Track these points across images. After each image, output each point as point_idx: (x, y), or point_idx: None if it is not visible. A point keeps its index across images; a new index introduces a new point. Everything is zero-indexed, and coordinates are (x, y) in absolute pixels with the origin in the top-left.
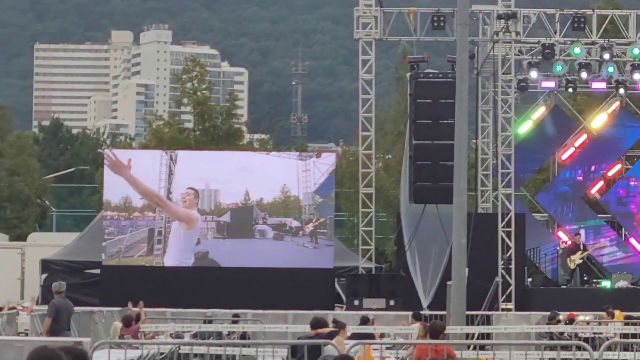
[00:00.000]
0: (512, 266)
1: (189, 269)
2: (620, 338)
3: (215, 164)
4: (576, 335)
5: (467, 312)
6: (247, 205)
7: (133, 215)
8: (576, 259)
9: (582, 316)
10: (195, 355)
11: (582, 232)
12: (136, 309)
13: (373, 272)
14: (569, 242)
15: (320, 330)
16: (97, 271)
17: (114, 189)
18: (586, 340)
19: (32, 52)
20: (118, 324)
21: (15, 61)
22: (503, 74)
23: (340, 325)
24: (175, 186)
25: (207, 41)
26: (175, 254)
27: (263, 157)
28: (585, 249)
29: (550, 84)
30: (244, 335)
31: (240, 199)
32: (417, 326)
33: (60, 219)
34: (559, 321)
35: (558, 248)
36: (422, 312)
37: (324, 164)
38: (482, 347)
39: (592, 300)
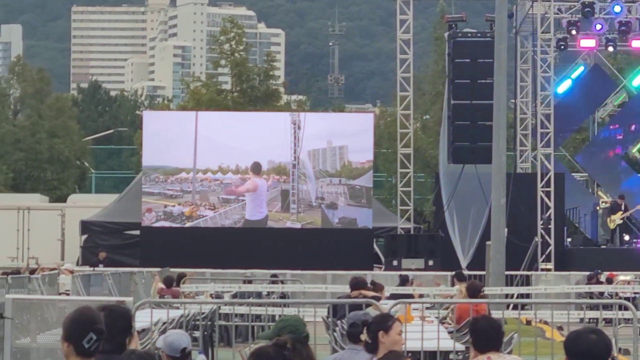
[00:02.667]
0: (552, 226)
1: (226, 229)
2: None
3: (338, 122)
4: (617, 294)
5: (506, 272)
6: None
7: (245, 177)
8: (616, 219)
9: (622, 276)
10: (236, 315)
11: None
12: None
13: (411, 232)
14: (609, 202)
15: (363, 292)
16: (137, 232)
17: (153, 151)
18: (626, 300)
19: (70, 14)
20: (158, 285)
21: (52, 24)
22: (542, 33)
23: (378, 287)
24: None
25: (244, 2)
26: (250, 210)
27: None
28: (626, 210)
29: (590, 42)
30: (283, 296)
31: None
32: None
33: (99, 180)
34: (599, 280)
35: (598, 208)
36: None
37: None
38: (522, 307)
39: (632, 260)
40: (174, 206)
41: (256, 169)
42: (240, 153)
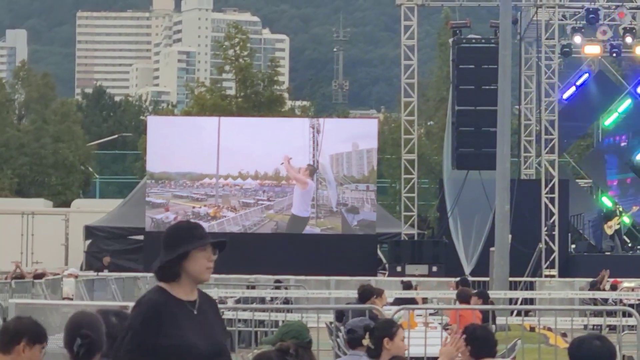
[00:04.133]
0: (556, 232)
1: (229, 235)
2: None
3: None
4: (621, 301)
5: (510, 279)
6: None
7: (264, 182)
8: (613, 224)
9: (626, 282)
10: (239, 320)
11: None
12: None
13: (415, 238)
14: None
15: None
16: (140, 237)
17: (158, 157)
18: (631, 307)
19: (75, 20)
20: None
21: (58, 29)
22: (546, 39)
23: (378, 292)
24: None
25: (248, 8)
26: (298, 206)
27: None
28: (621, 215)
29: (595, 49)
30: (286, 301)
31: None
32: None
33: (103, 185)
34: (601, 283)
35: (602, 214)
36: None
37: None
38: (526, 313)
39: (636, 267)
40: (200, 207)
41: (312, 171)
42: (259, 159)
